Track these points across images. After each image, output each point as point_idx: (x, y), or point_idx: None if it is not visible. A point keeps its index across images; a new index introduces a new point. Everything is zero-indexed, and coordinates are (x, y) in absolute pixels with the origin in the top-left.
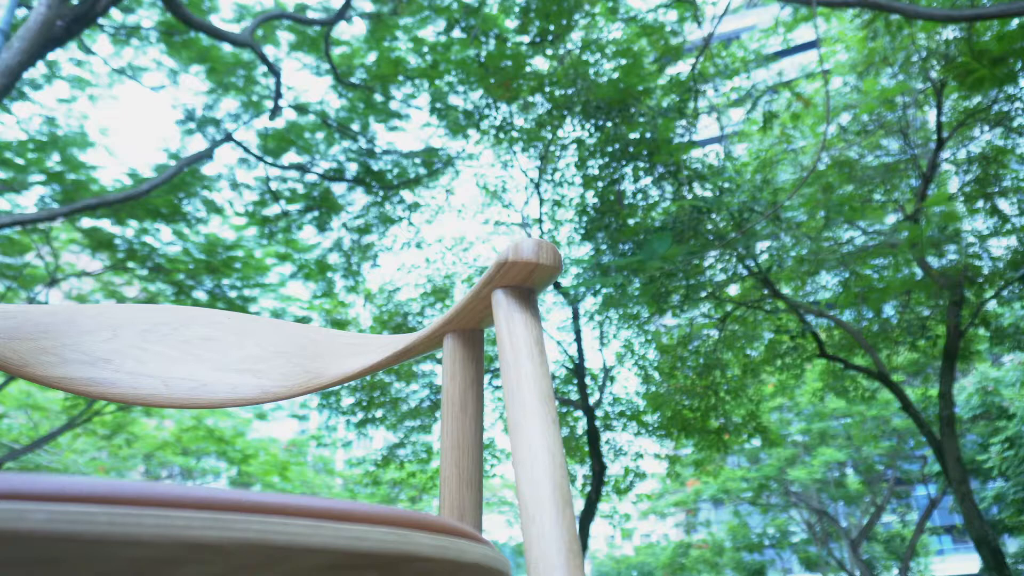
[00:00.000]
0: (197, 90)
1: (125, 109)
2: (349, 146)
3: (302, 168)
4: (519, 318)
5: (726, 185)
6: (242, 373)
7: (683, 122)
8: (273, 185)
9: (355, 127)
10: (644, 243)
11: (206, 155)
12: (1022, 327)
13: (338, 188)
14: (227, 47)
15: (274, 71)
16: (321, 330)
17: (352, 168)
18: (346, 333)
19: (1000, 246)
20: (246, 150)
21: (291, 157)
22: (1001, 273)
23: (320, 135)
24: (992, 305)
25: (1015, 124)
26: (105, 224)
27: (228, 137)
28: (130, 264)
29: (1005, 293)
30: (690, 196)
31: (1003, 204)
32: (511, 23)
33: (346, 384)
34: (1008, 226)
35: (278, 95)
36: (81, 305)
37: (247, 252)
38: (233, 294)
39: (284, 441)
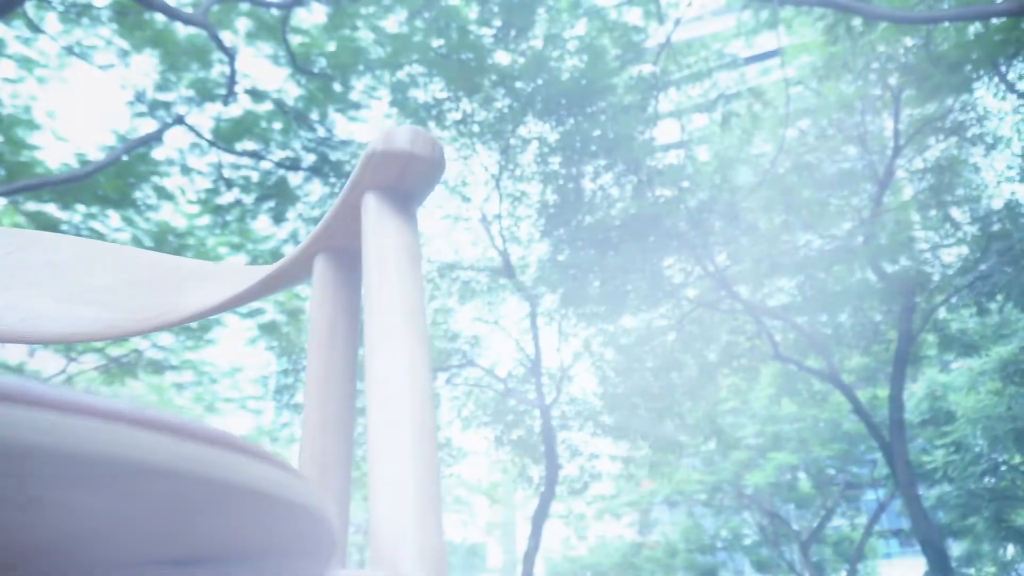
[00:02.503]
0: (149, 71)
1: (74, 89)
2: (307, 135)
3: (257, 155)
4: (390, 224)
5: (685, 184)
6: (87, 304)
7: (645, 119)
8: (227, 172)
9: (313, 116)
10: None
11: (155, 138)
12: (970, 333)
13: (294, 178)
14: (181, 29)
15: (228, 53)
16: (183, 260)
17: (309, 158)
18: (209, 264)
19: (951, 254)
20: (198, 135)
21: (246, 146)
22: (952, 280)
23: (277, 124)
24: (943, 312)
25: (969, 134)
26: (51, 208)
27: (179, 120)
28: None
29: (955, 300)
30: (651, 194)
31: (956, 212)
32: (474, 14)
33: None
34: (960, 234)
35: (232, 80)
36: None
37: (199, 241)
38: None
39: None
